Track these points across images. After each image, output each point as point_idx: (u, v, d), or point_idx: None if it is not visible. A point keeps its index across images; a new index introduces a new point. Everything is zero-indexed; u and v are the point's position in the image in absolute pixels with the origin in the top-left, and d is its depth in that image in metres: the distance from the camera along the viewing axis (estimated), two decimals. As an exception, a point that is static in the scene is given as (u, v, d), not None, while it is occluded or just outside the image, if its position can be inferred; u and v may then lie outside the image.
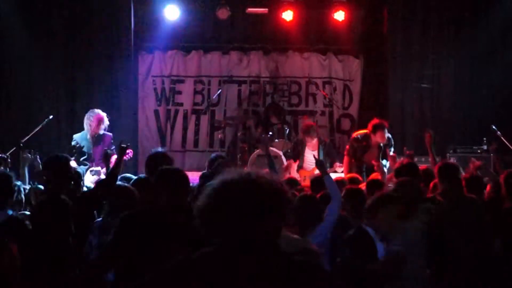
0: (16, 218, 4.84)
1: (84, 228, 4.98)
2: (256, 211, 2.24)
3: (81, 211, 5.02)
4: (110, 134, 9.09)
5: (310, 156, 10.03)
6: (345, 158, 9.33)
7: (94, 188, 5.89)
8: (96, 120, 8.84)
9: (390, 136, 9.29)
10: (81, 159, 8.77)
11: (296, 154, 10.00)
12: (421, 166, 6.86)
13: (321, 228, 4.88)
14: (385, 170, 9.06)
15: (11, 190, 5.24)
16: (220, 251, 2.27)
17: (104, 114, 8.99)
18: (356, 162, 9.14)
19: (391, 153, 8.97)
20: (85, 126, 8.91)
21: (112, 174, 5.44)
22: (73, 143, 8.86)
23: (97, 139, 8.88)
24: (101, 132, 8.90)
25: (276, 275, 2.21)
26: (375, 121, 9.17)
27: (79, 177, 5.92)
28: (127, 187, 5.20)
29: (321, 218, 4.95)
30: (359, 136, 9.27)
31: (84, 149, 8.77)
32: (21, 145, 8.75)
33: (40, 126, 9.40)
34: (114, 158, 8.67)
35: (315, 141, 9.99)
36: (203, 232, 2.32)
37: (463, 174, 6.81)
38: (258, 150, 10.32)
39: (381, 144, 9.11)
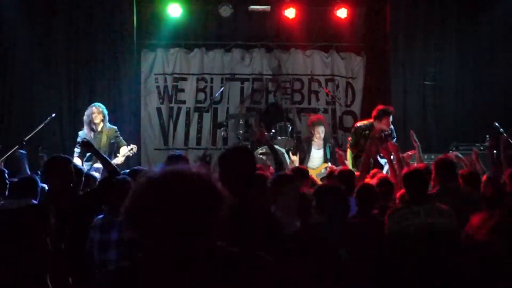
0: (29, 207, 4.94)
1: (84, 226, 5.00)
2: (186, 207, 2.06)
3: (81, 209, 5.05)
4: (115, 127, 9.13)
5: (316, 153, 10.04)
6: (348, 151, 9.30)
7: (97, 187, 5.91)
8: (89, 115, 8.92)
9: (393, 127, 9.32)
10: (87, 155, 8.81)
11: (300, 152, 10.01)
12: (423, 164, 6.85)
13: None
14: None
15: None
16: (151, 257, 2.10)
17: (98, 105, 9.04)
18: (359, 153, 9.08)
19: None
20: (93, 117, 8.95)
21: (110, 172, 5.48)
22: (78, 139, 8.87)
23: (100, 133, 8.91)
24: (106, 125, 8.92)
25: (214, 273, 2.07)
26: (381, 106, 9.17)
27: (80, 175, 5.91)
28: (125, 181, 5.15)
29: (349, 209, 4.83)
30: (362, 125, 9.29)
31: None
32: (24, 143, 8.80)
33: (42, 124, 9.41)
34: (122, 149, 8.79)
35: (321, 141, 10.02)
36: (134, 234, 2.11)
37: (464, 168, 6.81)
38: (260, 148, 10.32)
39: (383, 134, 9.11)
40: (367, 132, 9.13)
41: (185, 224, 2.06)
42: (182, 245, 2.07)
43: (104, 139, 8.88)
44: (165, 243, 2.08)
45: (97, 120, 8.91)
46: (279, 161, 6.19)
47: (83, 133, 8.95)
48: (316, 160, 10.00)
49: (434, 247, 4.84)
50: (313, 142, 10.09)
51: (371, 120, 9.20)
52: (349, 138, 9.46)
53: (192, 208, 2.07)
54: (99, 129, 8.94)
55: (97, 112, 8.92)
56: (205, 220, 2.10)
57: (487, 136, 10.12)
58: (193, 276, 2.06)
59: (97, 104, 9.11)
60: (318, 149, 10.12)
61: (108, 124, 9.02)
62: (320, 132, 10.01)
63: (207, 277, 2.06)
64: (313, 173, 9.20)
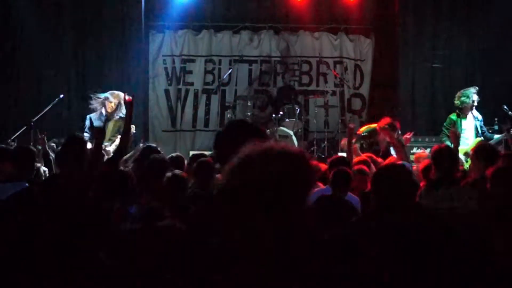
0: (30, 190, 4.94)
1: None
2: (285, 184, 2.10)
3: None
4: (122, 116, 9.06)
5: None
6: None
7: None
8: (118, 103, 8.74)
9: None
10: None
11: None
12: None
13: None
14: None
15: (32, 165, 5.43)
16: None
17: (116, 93, 8.87)
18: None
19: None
20: (106, 105, 8.81)
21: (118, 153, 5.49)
22: (87, 122, 8.83)
23: (108, 122, 8.85)
24: (117, 114, 8.82)
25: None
26: (387, 120, 8.89)
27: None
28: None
29: None
30: (365, 134, 9.11)
31: None
32: (32, 124, 8.82)
33: (50, 106, 9.43)
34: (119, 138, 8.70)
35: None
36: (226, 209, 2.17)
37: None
38: (267, 130, 10.32)
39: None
40: (370, 139, 8.96)
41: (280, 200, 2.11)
42: (274, 219, 2.10)
43: (110, 127, 8.80)
44: (263, 218, 2.11)
45: (109, 110, 8.83)
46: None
47: (94, 116, 8.88)
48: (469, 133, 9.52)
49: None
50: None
51: (374, 126, 8.88)
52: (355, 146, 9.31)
53: (286, 184, 2.11)
54: (109, 117, 8.84)
55: (113, 100, 8.81)
56: (294, 195, 2.14)
57: (496, 119, 10.08)
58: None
59: (115, 92, 8.94)
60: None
61: (120, 114, 8.77)
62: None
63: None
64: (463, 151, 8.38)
